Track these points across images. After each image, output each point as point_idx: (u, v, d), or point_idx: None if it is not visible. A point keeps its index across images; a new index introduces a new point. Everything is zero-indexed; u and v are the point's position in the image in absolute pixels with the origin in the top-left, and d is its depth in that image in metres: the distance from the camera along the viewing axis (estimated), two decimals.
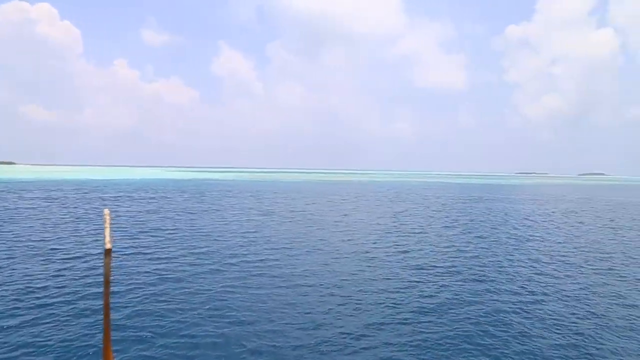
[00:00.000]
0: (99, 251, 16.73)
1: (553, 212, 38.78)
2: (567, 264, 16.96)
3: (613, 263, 17.27)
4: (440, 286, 13.32)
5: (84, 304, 10.78)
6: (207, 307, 10.91)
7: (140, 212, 31.35)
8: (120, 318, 9.82)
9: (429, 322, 10.28)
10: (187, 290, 12.29)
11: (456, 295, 12.42)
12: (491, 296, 12.42)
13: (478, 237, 23.31)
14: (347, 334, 9.50)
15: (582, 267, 16.49)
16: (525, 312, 11.13)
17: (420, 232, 24.45)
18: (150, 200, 41.07)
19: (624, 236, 24.85)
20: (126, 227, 23.45)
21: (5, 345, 8.41)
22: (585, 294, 12.86)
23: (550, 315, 10.93)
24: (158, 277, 13.55)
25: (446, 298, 12.12)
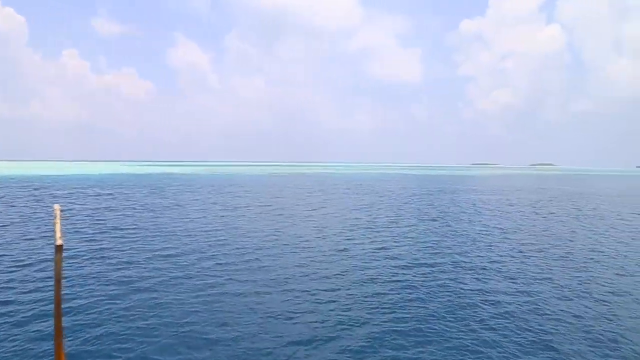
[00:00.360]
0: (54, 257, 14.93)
1: (519, 203, 39.34)
2: (556, 256, 16.59)
3: (599, 255, 17.10)
4: (438, 286, 12.44)
5: (38, 325, 9.03)
6: (183, 321, 9.51)
7: (97, 209, 29.07)
8: (77, 344, 8.19)
9: (438, 330, 9.29)
10: (156, 301, 10.81)
11: (458, 297, 11.54)
12: (495, 296, 11.62)
13: (455, 231, 22.82)
14: (347, 347, 8.41)
15: (573, 259, 16.14)
16: (537, 313, 10.37)
17: (395, 226, 23.74)
18: (107, 197, 38.52)
19: (597, 226, 25.12)
20: (81, 227, 21.42)
21: None
22: (584, 288, 12.34)
23: (560, 315, 10.23)
24: (120, 286, 11.93)
25: (449, 300, 11.22)
